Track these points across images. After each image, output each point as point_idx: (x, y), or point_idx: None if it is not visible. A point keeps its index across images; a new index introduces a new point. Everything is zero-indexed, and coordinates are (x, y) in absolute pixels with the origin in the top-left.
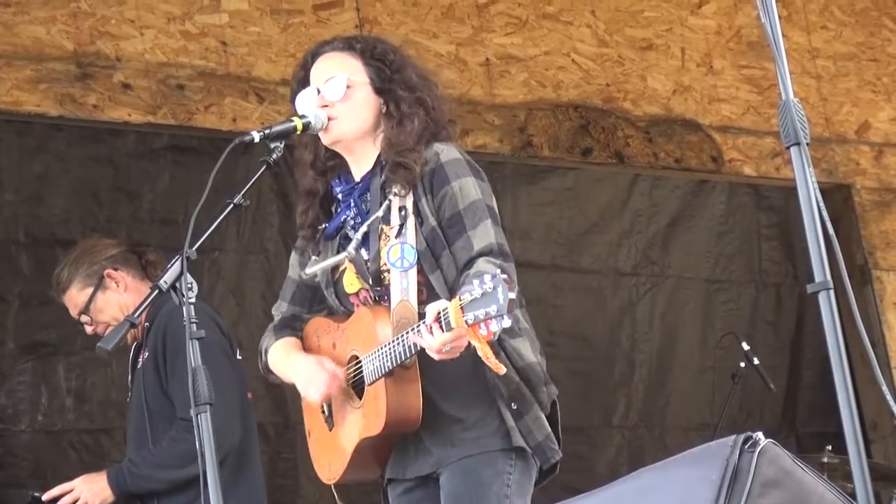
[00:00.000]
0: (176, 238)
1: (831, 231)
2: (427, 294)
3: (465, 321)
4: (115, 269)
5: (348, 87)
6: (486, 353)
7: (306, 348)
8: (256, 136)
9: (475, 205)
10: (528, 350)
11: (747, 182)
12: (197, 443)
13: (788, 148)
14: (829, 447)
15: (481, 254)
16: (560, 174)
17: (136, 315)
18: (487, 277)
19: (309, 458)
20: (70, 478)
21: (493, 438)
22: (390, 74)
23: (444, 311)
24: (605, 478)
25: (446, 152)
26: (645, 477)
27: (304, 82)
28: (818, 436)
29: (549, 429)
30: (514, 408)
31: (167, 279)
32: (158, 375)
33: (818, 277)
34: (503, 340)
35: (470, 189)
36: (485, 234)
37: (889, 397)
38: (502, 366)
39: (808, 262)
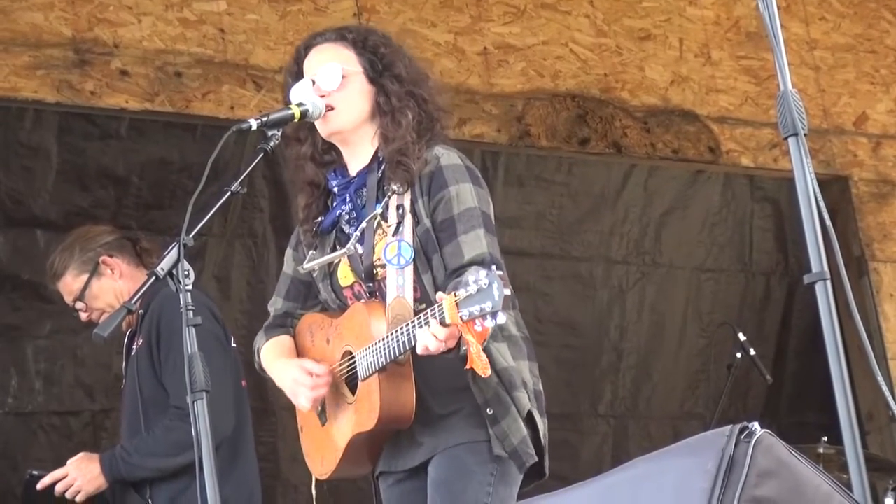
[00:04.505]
0: (161, 223)
1: (828, 222)
2: (420, 292)
3: (461, 317)
4: (111, 256)
5: (343, 76)
6: (476, 352)
7: (299, 346)
8: (254, 124)
9: (470, 212)
10: (508, 354)
11: (744, 173)
12: (193, 430)
13: (786, 139)
14: (825, 438)
15: (473, 262)
16: (556, 163)
17: (132, 302)
18: (482, 273)
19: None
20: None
21: (483, 430)
22: (381, 68)
23: (438, 307)
24: (590, 465)
25: (447, 157)
26: (640, 466)
27: (297, 76)
28: (801, 425)
29: (526, 432)
30: (490, 412)
31: (164, 266)
32: (152, 363)
33: (815, 268)
34: (486, 342)
35: (467, 195)
36: (476, 242)
37: (885, 388)
38: (488, 367)
39: (805, 252)
